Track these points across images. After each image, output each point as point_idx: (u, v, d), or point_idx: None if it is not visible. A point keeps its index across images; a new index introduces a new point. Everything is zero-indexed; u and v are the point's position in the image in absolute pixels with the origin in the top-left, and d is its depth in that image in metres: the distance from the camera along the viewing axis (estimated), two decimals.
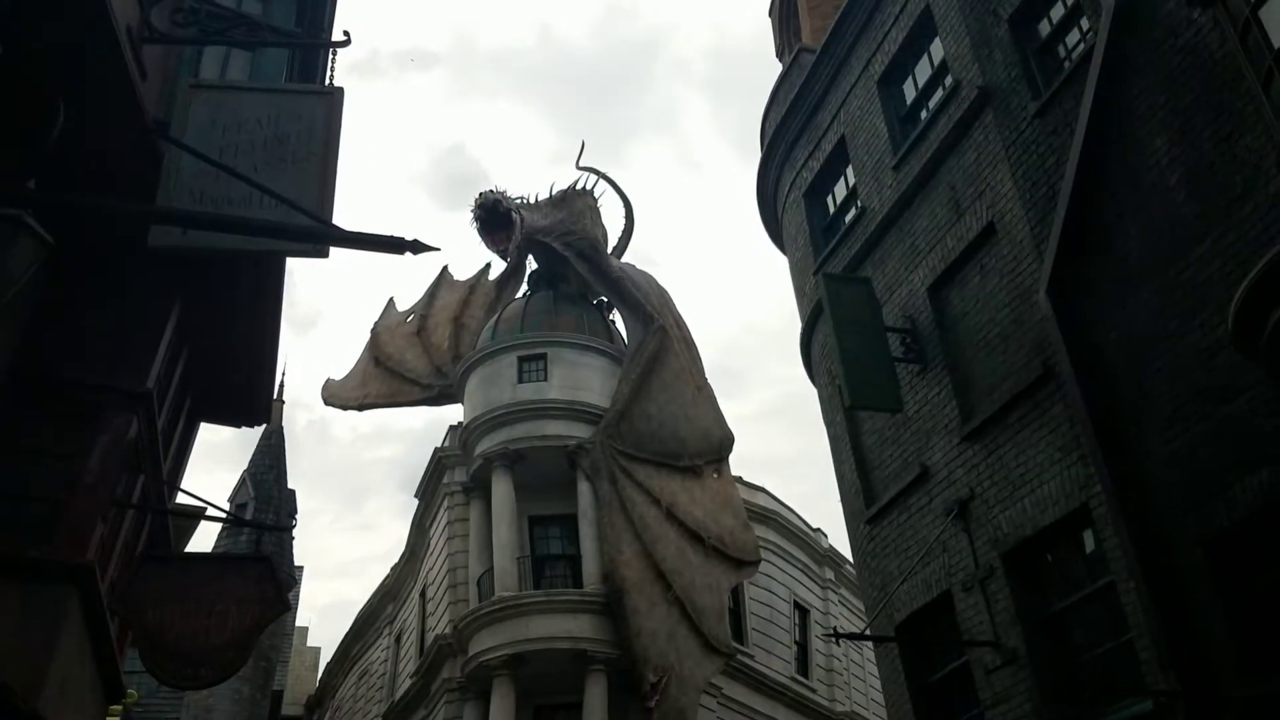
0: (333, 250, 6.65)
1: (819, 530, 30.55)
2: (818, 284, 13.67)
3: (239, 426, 11.04)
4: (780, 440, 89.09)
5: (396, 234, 5.43)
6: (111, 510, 7.64)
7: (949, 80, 11.97)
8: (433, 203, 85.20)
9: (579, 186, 27.75)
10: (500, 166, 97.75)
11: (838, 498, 13.62)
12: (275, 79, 8.97)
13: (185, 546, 10.90)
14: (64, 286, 7.52)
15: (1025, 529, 10.08)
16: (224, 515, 8.61)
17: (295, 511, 30.44)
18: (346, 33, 8.47)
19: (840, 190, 14.35)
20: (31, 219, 5.94)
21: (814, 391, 14.96)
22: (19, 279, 6.00)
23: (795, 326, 15.22)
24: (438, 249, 5.51)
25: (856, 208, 13.52)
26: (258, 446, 30.73)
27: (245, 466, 30.36)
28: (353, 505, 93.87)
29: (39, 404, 7.30)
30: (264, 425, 10.93)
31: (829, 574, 29.77)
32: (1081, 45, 10.32)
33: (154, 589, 7.10)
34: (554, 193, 27.45)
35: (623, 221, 29.82)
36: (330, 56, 9.08)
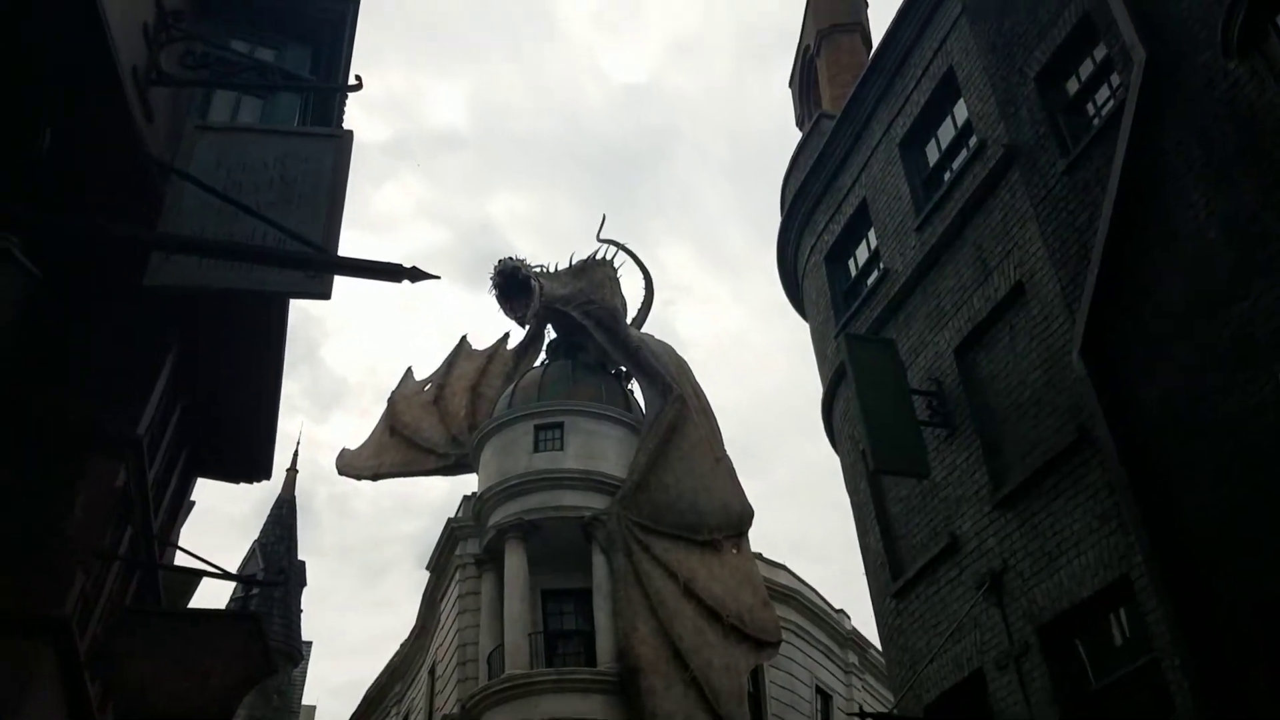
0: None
1: (842, 611, 29.69)
2: (839, 346, 13.29)
3: (238, 482, 10.67)
4: (800, 520, 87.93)
5: (394, 261, 5.12)
6: (95, 562, 7.25)
7: (974, 140, 11.73)
8: (460, 280, 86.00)
9: (599, 257, 27.67)
10: (525, 244, 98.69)
11: (861, 581, 13.08)
12: (287, 125, 8.81)
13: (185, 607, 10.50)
14: (54, 325, 7.23)
15: (1062, 602, 9.52)
16: (217, 572, 8.18)
17: (305, 583, 29.96)
18: (358, 77, 8.28)
19: (862, 253, 14.06)
20: (17, 249, 5.68)
21: (835, 470, 14.57)
22: (3, 313, 5.71)
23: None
24: (437, 277, 5.24)
25: (879, 270, 13.21)
26: (269, 517, 30.43)
27: (256, 536, 30.01)
28: (370, 582, 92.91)
29: (21, 446, 6.95)
30: (263, 481, 10.57)
31: (852, 658, 28.82)
32: (1111, 101, 10.06)
33: (134, 645, 6.66)
34: (574, 262, 27.37)
35: (642, 293, 29.70)
36: (342, 102, 8.91)
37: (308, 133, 8.44)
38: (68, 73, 6.48)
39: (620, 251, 28.30)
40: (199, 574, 9.16)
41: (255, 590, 27.60)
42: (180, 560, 9.70)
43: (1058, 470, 9.80)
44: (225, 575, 8.19)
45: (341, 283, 7.39)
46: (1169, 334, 8.82)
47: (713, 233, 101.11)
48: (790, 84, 18.42)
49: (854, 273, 14.20)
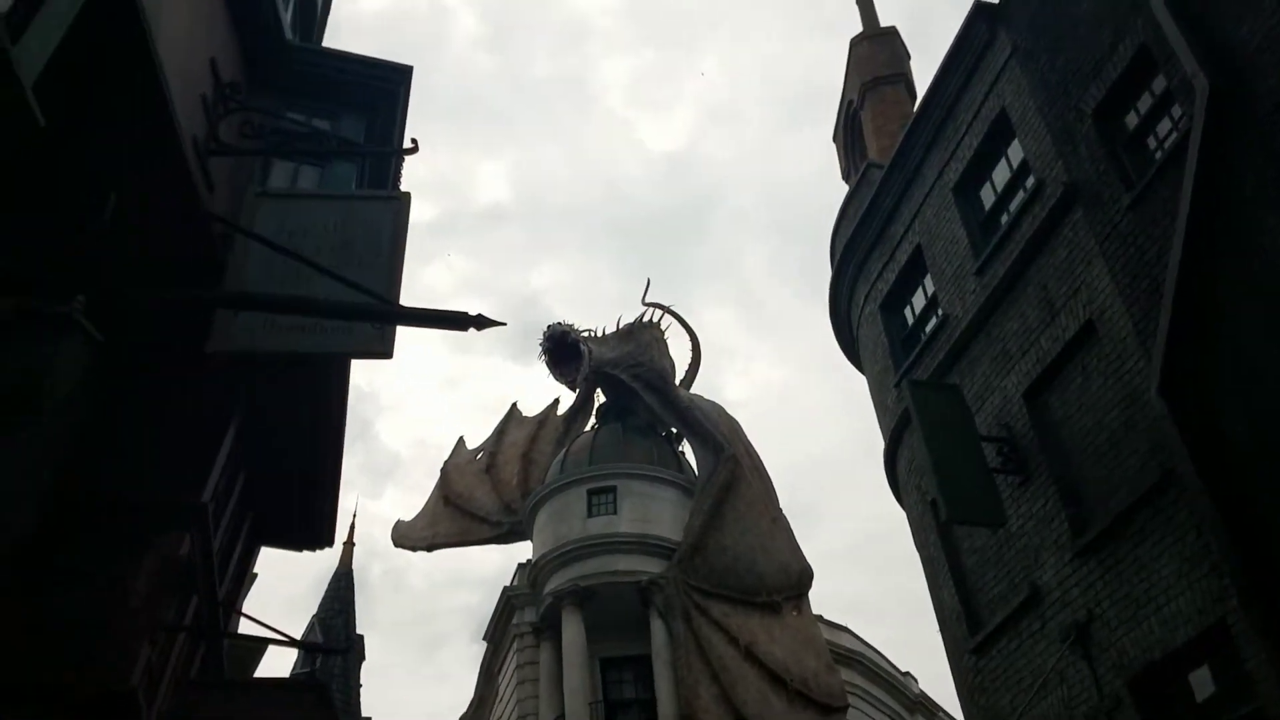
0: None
1: (908, 674, 28.87)
2: (901, 394, 13.01)
3: (301, 550, 10.55)
4: (855, 581, 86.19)
5: (458, 310, 5.03)
6: (160, 634, 7.12)
7: (1031, 181, 11.52)
8: (507, 353, 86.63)
9: (645, 320, 27.65)
10: (569, 314, 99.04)
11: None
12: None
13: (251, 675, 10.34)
14: (115, 398, 7.20)
15: (1154, 652, 9.07)
16: (282, 639, 8.02)
17: (364, 657, 29.64)
18: (414, 140, 8.33)
19: (919, 300, 13.82)
20: (81, 316, 5.65)
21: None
22: (69, 381, 5.66)
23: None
24: (503, 324, 5.13)
25: (938, 316, 12.95)
26: (326, 591, 30.24)
27: (314, 611, 29.81)
28: (426, 656, 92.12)
29: (86, 521, 6.88)
30: (326, 548, 10.45)
31: None
32: (1174, 134, 9.83)
33: (200, 717, 6.50)
34: (621, 326, 27.38)
35: (689, 355, 29.55)
36: (398, 168, 8.93)
37: (366, 196, 8.46)
38: (131, 141, 6.52)
39: (666, 314, 28.29)
40: (265, 641, 9.02)
41: (318, 662, 27.42)
42: (245, 630, 9.58)
43: (1142, 513, 9.41)
44: (291, 642, 8.03)
45: (393, 358, 7.33)
46: (1253, 364, 8.47)
47: (754, 294, 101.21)
48: (834, 139, 18.38)
49: (911, 321, 13.95)
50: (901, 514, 14.09)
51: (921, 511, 13.05)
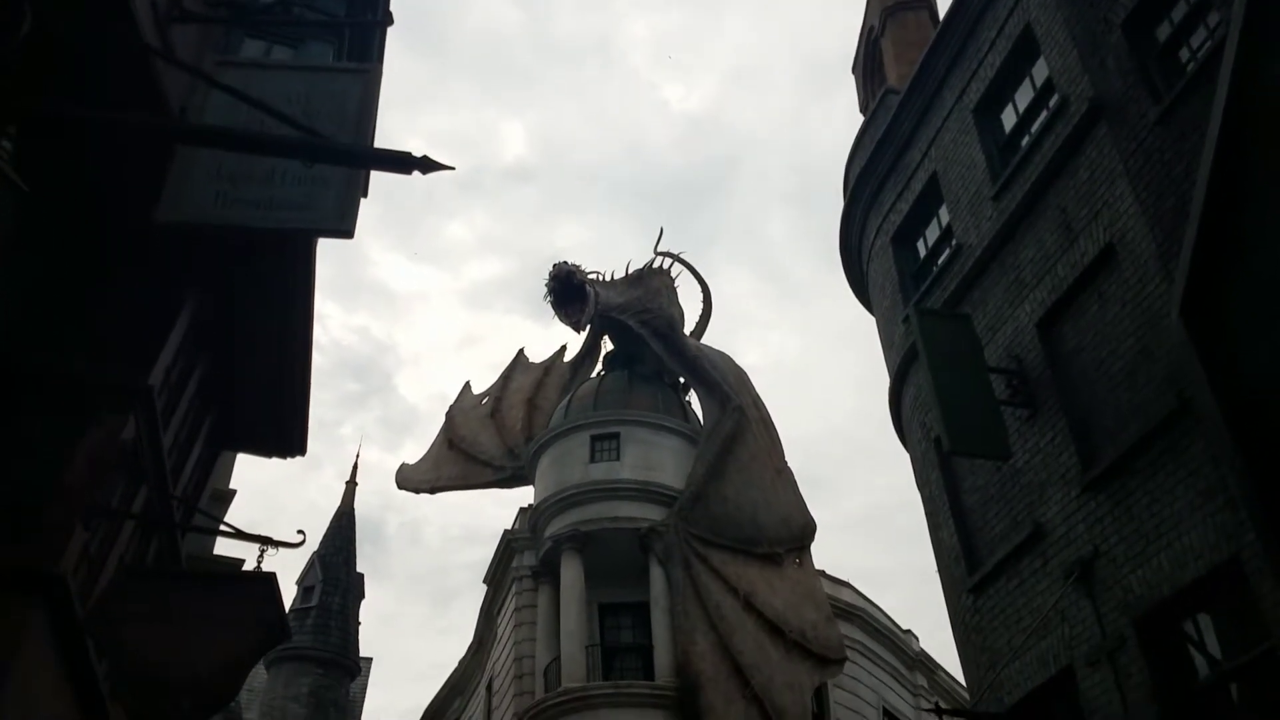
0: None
1: (909, 632, 28.47)
2: (909, 328, 12.45)
3: (270, 456, 10.14)
4: (866, 552, 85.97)
5: (402, 150, 4.55)
6: (100, 520, 6.72)
7: (1055, 99, 10.88)
8: (525, 311, 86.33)
9: (655, 266, 27.06)
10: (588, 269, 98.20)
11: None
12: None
13: None
14: (59, 266, 6.76)
15: (1162, 589, 8.57)
16: (236, 532, 7.63)
17: (363, 595, 29.55)
18: (388, 11, 7.79)
19: (932, 232, 13.23)
20: (5, 162, 5.17)
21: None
22: None
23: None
24: (450, 168, 4.63)
25: (951, 247, 12.36)
26: (328, 529, 30.15)
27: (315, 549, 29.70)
28: (439, 609, 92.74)
29: (25, 396, 6.47)
30: (297, 456, 10.03)
31: (921, 680, 27.56)
32: (1209, 43, 9.18)
33: (132, 607, 6.09)
34: (630, 271, 26.82)
35: (700, 306, 28.97)
36: (379, 45, 8.40)
37: (334, 68, 7.95)
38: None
39: (676, 262, 27.70)
40: (216, 533, 8.61)
41: (315, 597, 27.28)
42: (213, 544, 9.17)
43: (1155, 445, 8.88)
44: (244, 535, 7.62)
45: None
46: (1278, 289, 7.89)
47: (774, 261, 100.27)
48: (853, 69, 17.71)
49: (924, 253, 13.36)
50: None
51: (924, 449, 12.54)
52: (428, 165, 4.58)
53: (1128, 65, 9.89)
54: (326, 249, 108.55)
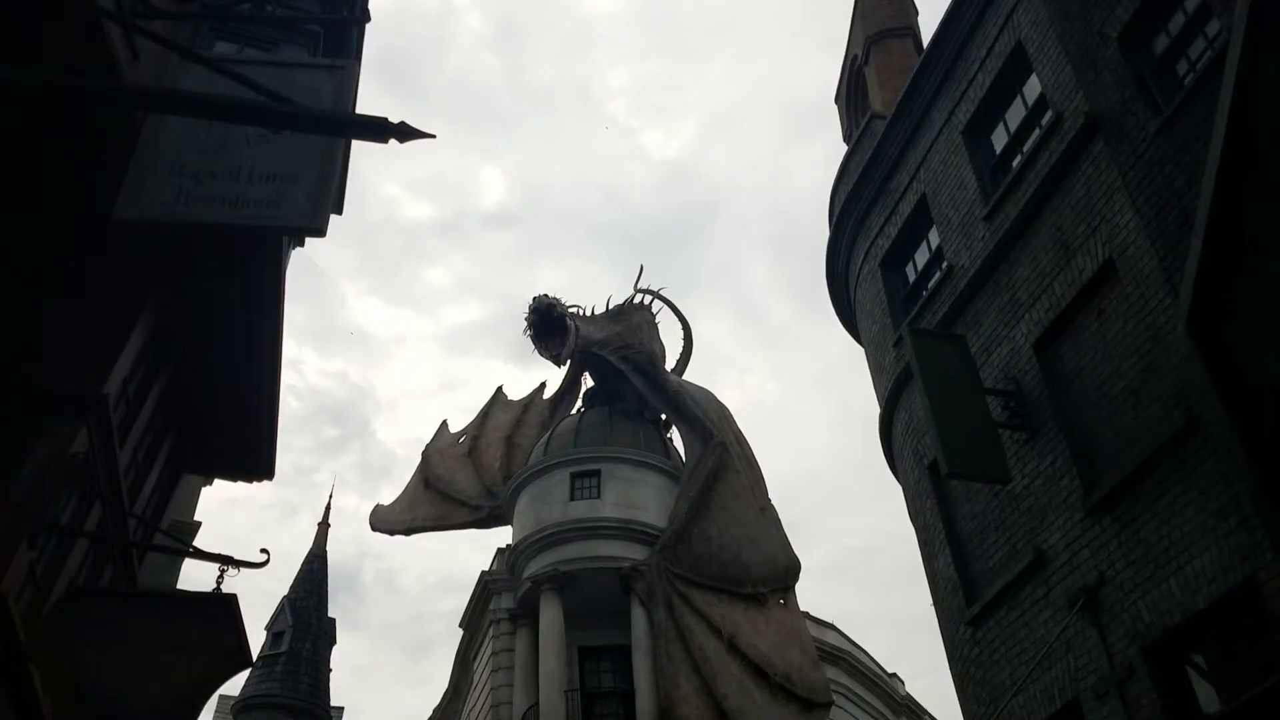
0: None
1: (895, 676, 27.91)
2: (900, 352, 12.15)
3: (234, 479, 9.64)
4: (845, 597, 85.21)
5: (378, 115, 4.17)
6: (48, 537, 6.22)
7: (1048, 116, 10.68)
8: (505, 355, 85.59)
9: (636, 301, 26.75)
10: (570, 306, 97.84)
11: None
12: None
13: None
14: (9, 272, 6.31)
15: (1173, 616, 8.18)
16: (194, 550, 7.13)
17: (334, 641, 28.69)
18: (365, 9, 7.46)
19: (922, 255, 12.96)
20: None
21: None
22: None
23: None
24: (431, 135, 4.26)
25: (942, 269, 12.08)
26: (299, 572, 29.34)
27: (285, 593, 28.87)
28: (415, 659, 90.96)
29: None
30: (263, 480, 9.52)
31: None
32: (1209, 52, 8.99)
33: (79, 630, 5.59)
34: (610, 307, 26.48)
35: (680, 342, 28.62)
36: (357, 45, 8.06)
37: (307, 64, 7.58)
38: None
39: (656, 299, 27.40)
40: (172, 551, 8.07)
41: (286, 642, 26.35)
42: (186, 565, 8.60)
43: (1162, 465, 8.54)
44: (203, 555, 7.10)
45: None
46: None
47: (752, 304, 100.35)
48: (836, 100, 17.56)
49: (913, 277, 13.08)
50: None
51: (918, 476, 12.16)
52: (405, 132, 4.23)
53: (1124, 78, 9.69)
54: (300, 291, 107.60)
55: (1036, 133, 10.89)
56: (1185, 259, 8.46)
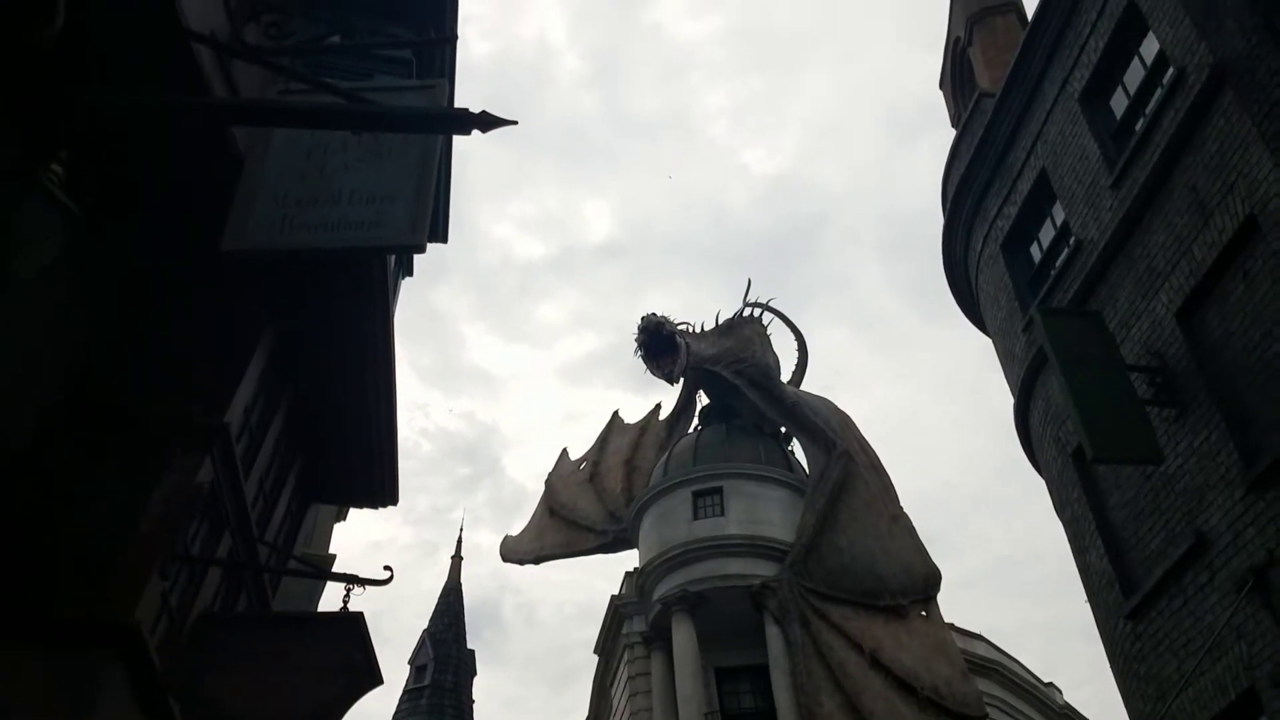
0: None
1: (1051, 685, 26.69)
2: (1031, 336, 11.58)
3: (361, 506, 9.70)
4: (992, 609, 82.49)
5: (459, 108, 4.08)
6: (180, 567, 6.28)
7: (1169, 74, 10.05)
8: (619, 384, 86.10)
9: (746, 315, 26.43)
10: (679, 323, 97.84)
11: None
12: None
13: None
14: (131, 307, 6.44)
15: None
16: (317, 571, 7.14)
17: (475, 672, 28.94)
18: (454, 29, 7.46)
19: (1046, 233, 12.35)
20: (56, 186, 4.83)
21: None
22: (35, 250, 4.84)
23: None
24: (513, 122, 4.14)
25: (1069, 246, 11.48)
26: (436, 606, 29.76)
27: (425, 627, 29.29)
28: (559, 689, 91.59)
29: (96, 438, 6.11)
30: (389, 506, 9.55)
31: None
32: None
33: (213, 654, 5.61)
34: (720, 322, 26.25)
35: (794, 353, 28.14)
36: (450, 67, 8.07)
37: (400, 86, 7.61)
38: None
39: (767, 311, 27.03)
40: (302, 574, 8.11)
41: (429, 674, 26.66)
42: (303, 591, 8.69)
43: None
44: (326, 575, 7.10)
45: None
46: None
47: (869, 313, 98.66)
48: (941, 85, 17.02)
49: (1038, 257, 12.47)
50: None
51: (1061, 466, 11.52)
52: (487, 122, 4.12)
53: (1250, 24, 9.05)
54: (421, 334, 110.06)
55: (1159, 92, 10.27)
56: None
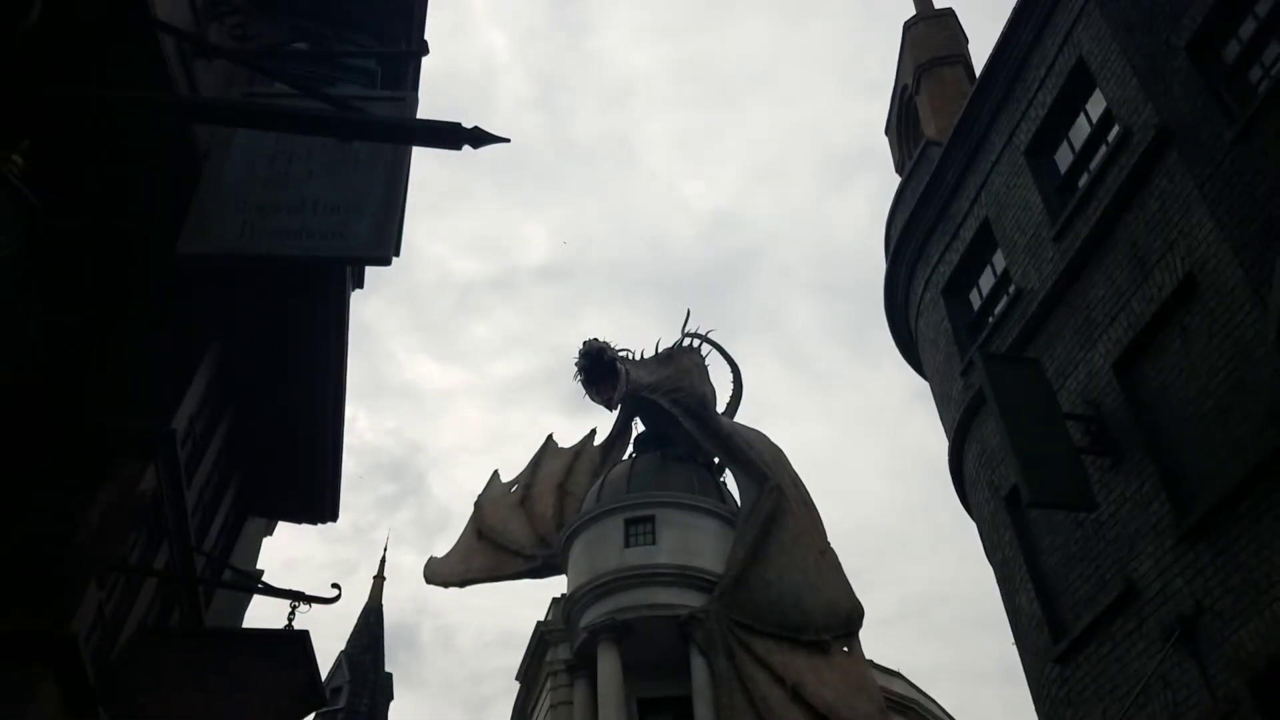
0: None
1: None
2: (968, 381, 11.82)
3: (300, 522, 9.50)
4: (907, 648, 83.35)
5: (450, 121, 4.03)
6: (117, 577, 6.08)
7: (1115, 132, 10.40)
8: (561, 410, 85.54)
9: (684, 345, 26.56)
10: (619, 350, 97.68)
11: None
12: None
13: None
14: (73, 312, 6.25)
15: (1278, 644, 7.72)
16: (265, 586, 6.96)
17: (392, 696, 28.41)
18: (423, 40, 7.42)
19: (986, 280, 12.65)
20: (16, 176, 4.69)
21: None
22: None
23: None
24: (506, 139, 4.12)
25: (1009, 294, 11.76)
26: (355, 627, 29.16)
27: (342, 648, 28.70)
28: (476, 717, 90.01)
29: (37, 446, 5.90)
30: (329, 522, 9.37)
31: None
32: None
33: (149, 673, 5.41)
34: (660, 350, 26.33)
35: (730, 385, 28.33)
36: (414, 73, 8.02)
37: (366, 96, 7.52)
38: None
39: (705, 342, 27.20)
40: (246, 589, 7.90)
41: (344, 699, 26.09)
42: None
43: (1259, 486, 8.11)
44: (273, 590, 6.92)
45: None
46: None
47: (799, 350, 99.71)
48: (887, 131, 17.39)
49: (978, 303, 12.76)
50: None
51: (994, 509, 11.74)
52: (479, 138, 4.09)
53: (1195, 88, 9.41)
54: (350, 350, 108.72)
55: (1104, 149, 10.62)
56: (1272, 269, 8.13)
